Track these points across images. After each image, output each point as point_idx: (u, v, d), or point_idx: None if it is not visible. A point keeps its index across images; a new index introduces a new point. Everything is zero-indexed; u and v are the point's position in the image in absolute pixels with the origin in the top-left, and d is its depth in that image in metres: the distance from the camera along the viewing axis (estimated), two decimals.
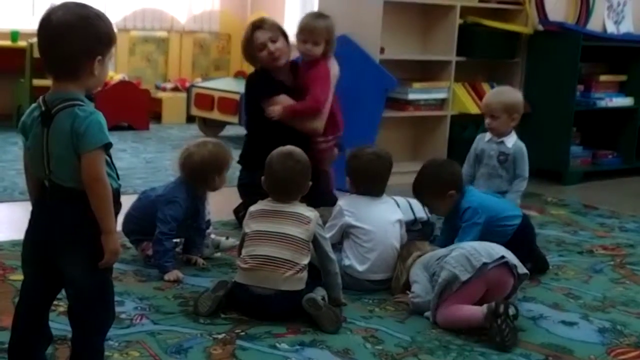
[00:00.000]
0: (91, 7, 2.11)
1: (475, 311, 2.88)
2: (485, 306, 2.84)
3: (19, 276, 2.91)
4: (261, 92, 4.13)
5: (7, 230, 3.76)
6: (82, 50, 2.06)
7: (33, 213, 2.19)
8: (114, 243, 2.11)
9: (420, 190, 3.57)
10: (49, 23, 2.06)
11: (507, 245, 3.17)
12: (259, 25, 4.12)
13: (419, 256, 3.22)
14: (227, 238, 3.64)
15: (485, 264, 2.92)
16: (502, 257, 2.97)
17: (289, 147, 3.17)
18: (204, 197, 3.55)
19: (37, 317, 2.24)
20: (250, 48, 4.13)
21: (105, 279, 2.19)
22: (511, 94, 4.16)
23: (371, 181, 3.43)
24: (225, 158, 3.52)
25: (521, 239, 3.57)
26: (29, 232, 2.20)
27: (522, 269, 3.02)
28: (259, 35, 4.08)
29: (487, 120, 4.11)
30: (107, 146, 2.09)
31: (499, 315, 2.78)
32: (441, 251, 3.15)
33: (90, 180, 2.06)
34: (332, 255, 3.10)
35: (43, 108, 2.10)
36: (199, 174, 3.46)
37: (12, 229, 3.76)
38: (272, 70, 4.14)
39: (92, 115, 2.06)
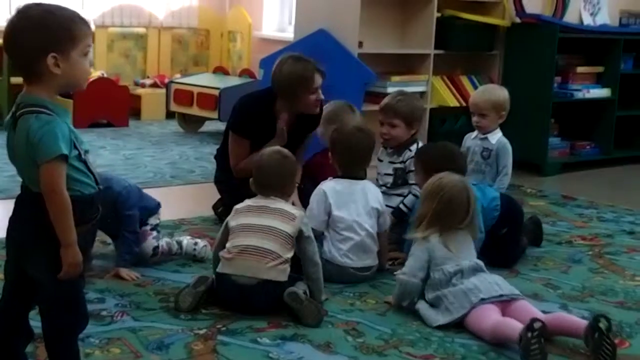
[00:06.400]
0: (45, 5, 2.05)
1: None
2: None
3: None
4: (253, 130, 3.97)
5: None
6: (31, 47, 2.01)
7: (13, 211, 2.18)
8: (73, 256, 2.05)
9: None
10: (6, 28, 2.05)
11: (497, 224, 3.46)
12: (320, 70, 3.97)
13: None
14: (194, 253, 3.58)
15: (482, 299, 2.89)
16: (501, 295, 2.91)
17: (278, 147, 3.27)
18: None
19: (16, 316, 2.23)
20: (300, 84, 3.91)
21: (71, 284, 2.12)
22: (498, 92, 4.16)
23: (354, 156, 3.45)
24: None
25: (509, 218, 3.67)
26: (7, 230, 2.19)
27: (518, 295, 2.97)
28: (318, 78, 3.95)
29: (474, 119, 4.13)
30: (63, 157, 2.01)
31: (531, 329, 2.59)
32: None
33: (46, 191, 2.01)
34: (317, 259, 3.09)
35: (14, 110, 2.07)
36: None
37: None
38: (275, 112, 4.01)
39: (48, 126, 1.99)
